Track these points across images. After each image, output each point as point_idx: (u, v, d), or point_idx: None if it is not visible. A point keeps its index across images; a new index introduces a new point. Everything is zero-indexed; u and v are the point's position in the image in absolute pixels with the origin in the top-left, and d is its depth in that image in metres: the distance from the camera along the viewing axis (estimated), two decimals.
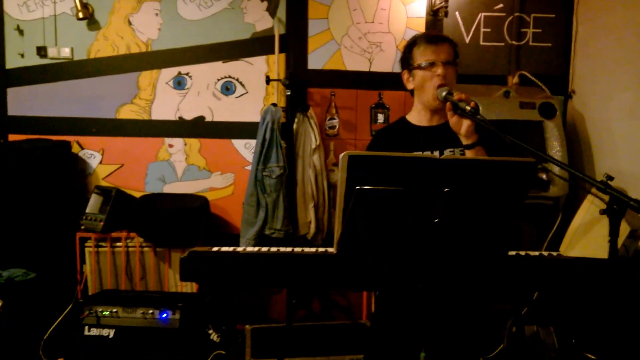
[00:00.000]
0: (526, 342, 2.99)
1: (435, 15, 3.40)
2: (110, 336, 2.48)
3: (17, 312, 2.65)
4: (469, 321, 1.89)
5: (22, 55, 3.13)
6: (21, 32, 3.12)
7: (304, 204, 3.21)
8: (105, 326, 2.49)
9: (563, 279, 1.49)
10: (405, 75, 1.92)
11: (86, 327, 2.48)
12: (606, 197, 1.38)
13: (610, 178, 1.38)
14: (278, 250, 1.46)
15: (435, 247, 1.32)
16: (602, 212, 1.38)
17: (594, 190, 1.45)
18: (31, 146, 2.90)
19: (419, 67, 1.83)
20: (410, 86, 1.91)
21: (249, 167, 3.26)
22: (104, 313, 2.49)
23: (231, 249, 1.48)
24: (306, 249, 1.46)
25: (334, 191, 3.36)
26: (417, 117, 1.94)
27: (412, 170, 1.30)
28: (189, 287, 2.98)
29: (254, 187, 3.12)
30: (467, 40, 3.44)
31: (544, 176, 3.21)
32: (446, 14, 3.35)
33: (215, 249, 1.47)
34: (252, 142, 3.28)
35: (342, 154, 1.25)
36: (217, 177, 3.35)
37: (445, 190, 1.26)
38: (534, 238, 3.32)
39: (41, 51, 3.12)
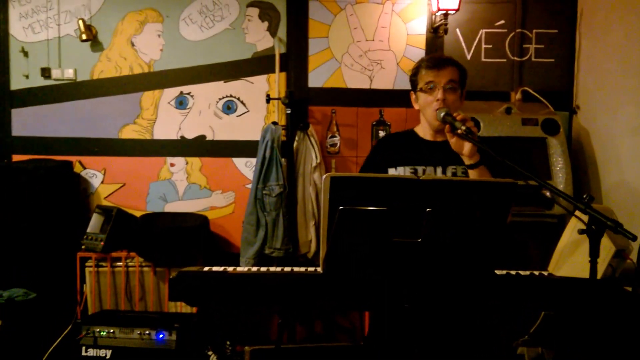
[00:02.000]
0: None
1: (435, 33, 3.45)
2: (107, 357, 2.52)
3: (16, 332, 2.70)
4: (460, 341, 1.92)
5: (27, 77, 3.24)
6: (26, 54, 3.23)
7: (305, 222, 3.24)
8: (102, 347, 2.53)
9: (548, 298, 1.55)
10: (413, 96, 2.04)
11: (83, 348, 2.53)
12: (585, 218, 1.42)
13: (591, 198, 1.41)
14: (267, 270, 1.49)
15: (419, 265, 1.36)
16: (581, 232, 1.42)
17: (577, 211, 1.48)
18: (34, 166, 2.98)
19: (421, 90, 1.94)
20: (416, 107, 2.03)
21: (250, 186, 3.31)
22: (101, 333, 2.53)
23: (221, 268, 1.52)
24: (295, 269, 1.50)
25: None
26: (424, 131, 2.03)
27: (394, 191, 1.34)
28: (189, 308, 3.01)
29: (253, 206, 3.17)
30: (469, 57, 3.48)
31: (548, 194, 3.21)
32: (446, 31, 3.40)
33: (206, 269, 1.52)
34: (253, 161, 3.33)
35: (324, 175, 1.30)
36: (218, 196, 3.40)
37: (427, 210, 1.29)
38: (539, 256, 3.31)
39: (45, 72, 3.23)
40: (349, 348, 3.09)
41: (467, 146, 1.78)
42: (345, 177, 1.34)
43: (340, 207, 1.26)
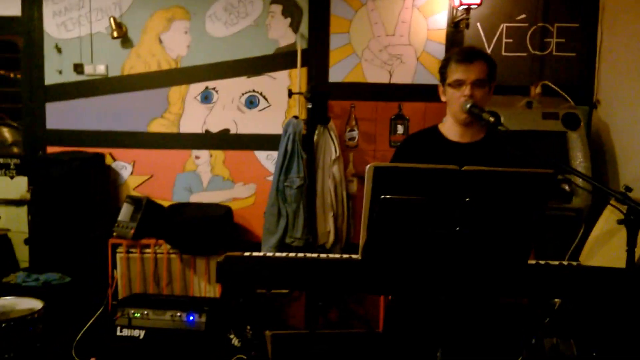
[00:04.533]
0: (546, 354, 3.20)
1: (456, 27, 3.70)
2: (141, 337, 2.88)
3: (52, 314, 3.08)
4: (487, 331, 2.06)
5: (60, 72, 3.62)
6: (59, 51, 3.60)
7: (324, 213, 3.56)
8: (136, 327, 2.89)
9: (581, 287, 1.60)
10: (440, 89, 2.12)
11: (118, 328, 2.89)
12: (624, 208, 1.54)
13: (629, 189, 1.55)
14: (305, 255, 1.60)
15: (456, 254, 1.47)
16: (620, 222, 1.54)
17: (612, 201, 1.66)
18: (70, 158, 3.36)
19: (449, 85, 2.04)
20: (443, 99, 2.12)
21: (270, 178, 3.65)
22: (135, 315, 2.90)
23: (262, 254, 1.64)
24: (331, 255, 1.60)
25: (353, 201, 3.71)
26: (450, 129, 2.12)
27: (434, 181, 1.44)
28: (212, 293, 3.37)
29: (275, 197, 3.50)
30: (489, 51, 3.73)
31: (567, 187, 3.43)
32: (467, 26, 3.64)
33: (247, 254, 1.63)
34: (274, 154, 3.66)
35: (368, 165, 1.42)
36: (240, 188, 3.75)
37: (466, 200, 1.42)
38: (557, 249, 3.54)
39: (78, 68, 3.60)
40: (367, 335, 3.41)
41: None
42: (388, 167, 1.47)
43: (382, 196, 1.39)
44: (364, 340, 3.30)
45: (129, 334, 2.89)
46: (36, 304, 2.79)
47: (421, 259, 1.47)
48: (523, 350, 3.20)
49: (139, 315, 2.89)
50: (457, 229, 1.43)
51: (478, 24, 3.71)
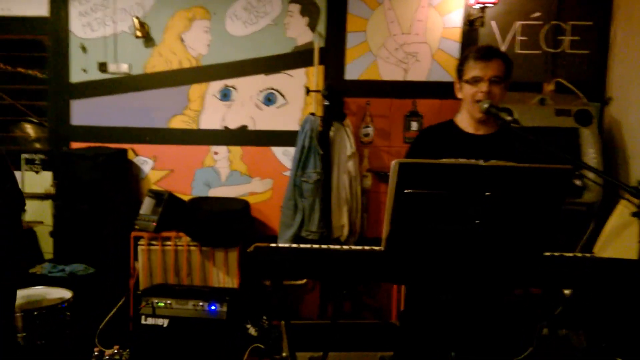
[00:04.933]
0: (556, 345, 3.28)
1: (471, 25, 3.81)
2: (165, 325, 3.02)
3: (77, 303, 3.24)
4: (498, 321, 2.15)
5: (85, 71, 3.79)
6: (84, 50, 3.77)
7: (339, 208, 3.68)
8: (160, 316, 3.03)
9: (594, 277, 1.66)
10: (457, 85, 2.22)
11: (143, 317, 3.03)
12: (637, 201, 1.67)
13: None
14: (328, 247, 1.68)
15: (476, 247, 1.54)
16: (634, 214, 1.68)
17: (626, 195, 1.76)
18: (94, 153, 3.52)
19: (467, 82, 2.13)
20: (459, 95, 2.21)
21: (287, 173, 3.78)
22: (159, 304, 3.03)
23: (287, 245, 1.74)
24: (353, 247, 1.67)
25: (367, 196, 3.82)
26: (465, 122, 2.22)
27: (456, 176, 1.51)
28: (230, 284, 3.50)
29: (292, 192, 3.63)
30: (503, 48, 3.82)
31: (578, 182, 3.50)
32: (482, 24, 3.75)
33: (273, 245, 1.70)
34: (290, 150, 3.79)
35: (393, 162, 1.50)
36: (257, 182, 3.88)
37: (487, 194, 1.49)
38: (568, 243, 3.61)
39: (102, 67, 3.77)
40: (380, 325, 3.52)
41: None
42: (412, 163, 1.55)
43: (405, 191, 1.47)
44: (377, 330, 3.42)
45: (154, 323, 3.03)
46: (66, 294, 2.97)
47: (442, 251, 1.55)
48: (534, 341, 3.29)
49: (162, 304, 3.03)
50: (478, 222, 1.50)
51: (493, 22, 3.81)
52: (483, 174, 1.50)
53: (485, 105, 2.04)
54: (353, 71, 3.84)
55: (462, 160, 2.05)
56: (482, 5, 3.67)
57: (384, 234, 1.57)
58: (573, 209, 3.47)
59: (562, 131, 3.48)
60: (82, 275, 3.37)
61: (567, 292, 2.93)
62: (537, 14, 3.82)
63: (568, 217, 3.50)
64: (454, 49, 3.81)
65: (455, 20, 3.82)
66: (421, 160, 1.83)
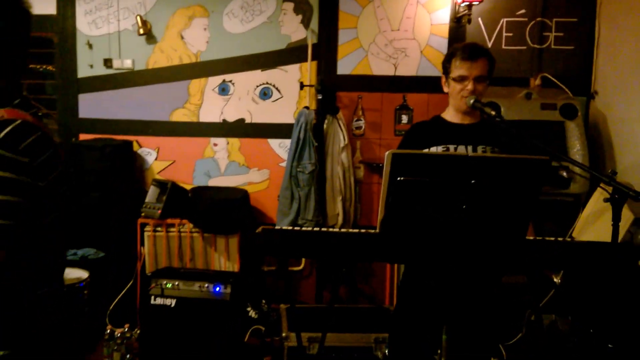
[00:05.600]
0: (544, 331, 3.53)
1: (458, 22, 4.07)
2: (172, 305, 3.32)
3: (91, 284, 3.57)
4: (489, 307, 2.35)
5: (91, 66, 4.07)
6: (90, 46, 4.05)
7: (333, 197, 3.99)
8: (168, 296, 3.32)
9: (573, 260, 1.86)
10: (443, 80, 2.44)
11: (152, 297, 3.34)
12: (610, 189, 1.88)
13: (615, 173, 1.93)
14: (328, 230, 1.87)
15: (462, 230, 1.72)
16: (606, 200, 1.89)
17: (602, 184, 2.00)
18: (102, 144, 3.83)
19: (453, 79, 2.35)
20: (445, 90, 2.44)
21: (283, 164, 4.09)
22: (167, 285, 3.34)
23: (290, 227, 1.94)
24: (351, 230, 1.86)
25: (360, 187, 4.13)
26: (452, 116, 2.44)
27: (444, 165, 1.70)
28: (231, 268, 3.83)
29: (288, 182, 3.94)
30: (490, 44, 4.09)
31: (565, 174, 3.75)
32: (469, 21, 4.00)
33: (278, 227, 1.99)
34: (286, 142, 4.09)
35: (387, 152, 1.70)
36: (255, 173, 4.19)
37: (472, 182, 1.68)
38: (556, 233, 3.87)
39: (107, 62, 4.05)
40: (375, 309, 3.84)
41: None
42: (404, 153, 1.80)
43: (398, 178, 1.66)
44: (371, 314, 3.73)
45: (162, 303, 3.33)
46: (83, 274, 3.30)
47: (431, 233, 1.75)
48: (522, 327, 3.56)
49: (170, 285, 3.34)
50: (464, 207, 1.69)
51: (479, 19, 4.08)
52: (468, 163, 1.70)
53: (471, 101, 2.29)
54: (345, 66, 4.12)
55: (449, 152, 2.27)
56: (468, 3, 3.93)
57: (379, 218, 1.77)
58: (561, 199, 3.66)
59: (548, 124, 3.71)
60: (93, 259, 3.69)
61: (556, 279, 3.18)
62: (522, 11, 4.09)
63: (557, 208, 3.73)
64: (442, 45, 4.09)
65: (442, 17, 4.09)
66: (412, 151, 2.10)
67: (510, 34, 4.11)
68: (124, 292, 3.80)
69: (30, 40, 1.46)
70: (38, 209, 1.34)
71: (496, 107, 3.77)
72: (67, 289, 3.07)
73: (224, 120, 4.16)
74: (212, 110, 4.15)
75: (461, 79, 2.33)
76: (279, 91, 4.14)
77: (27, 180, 1.29)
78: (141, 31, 3.96)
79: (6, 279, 1.34)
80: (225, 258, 3.86)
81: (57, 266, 1.53)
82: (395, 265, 3.88)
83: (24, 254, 1.36)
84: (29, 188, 1.29)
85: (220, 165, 4.19)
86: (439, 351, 2.01)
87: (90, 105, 4.12)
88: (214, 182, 4.18)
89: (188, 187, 4.04)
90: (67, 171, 1.47)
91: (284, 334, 3.44)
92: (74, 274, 3.31)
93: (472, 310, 2.26)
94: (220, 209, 3.83)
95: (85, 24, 4.07)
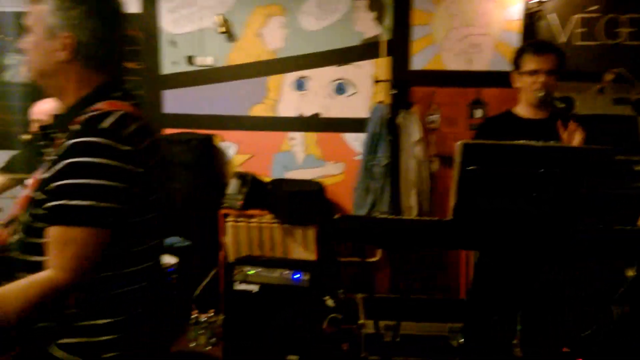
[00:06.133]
0: (616, 323, 3.59)
1: (531, 18, 4.17)
2: (255, 291, 3.53)
3: (178, 270, 3.79)
4: (562, 296, 2.49)
5: (175, 63, 4.31)
6: (174, 44, 4.29)
7: (407, 190, 4.14)
8: (251, 282, 3.53)
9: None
10: (514, 76, 2.61)
11: (236, 283, 3.55)
12: None
13: None
14: (400, 217, 2.20)
15: (531, 216, 1.80)
16: None
17: None
18: (187, 138, 4.07)
19: (524, 73, 2.52)
20: (516, 85, 2.63)
21: (357, 158, 4.26)
22: (250, 272, 3.54)
23: (366, 215, 2.25)
24: (423, 218, 2.15)
25: (434, 179, 4.27)
26: (523, 110, 2.60)
27: (512, 154, 1.81)
28: (308, 258, 4.00)
29: (364, 175, 4.11)
30: (563, 40, 4.18)
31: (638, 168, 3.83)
32: (542, 17, 4.12)
33: (355, 215, 2.24)
34: (361, 136, 4.25)
35: (458, 142, 1.82)
36: (330, 166, 4.37)
37: (541, 171, 1.78)
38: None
39: (190, 60, 4.29)
40: (450, 301, 3.97)
41: (577, 139, 2.35)
42: (474, 143, 1.96)
43: (469, 167, 1.78)
44: (446, 305, 3.86)
45: (245, 288, 3.54)
46: (172, 259, 3.52)
47: (501, 221, 1.83)
48: (599, 319, 3.62)
49: (253, 272, 3.54)
50: (533, 195, 1.78)
51: (552, 15, 4.17)
52: (537, 153, 1.81)
53: (541, 94, 2.44)
54: (418, 62, 4.27)
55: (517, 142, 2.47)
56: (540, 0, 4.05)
57: (451, 204, 1.88)
58: (635, 192, 3.81)
59: (620, 119, 3.81)
60: (180, 247, 3.93)
61: (630, 273, 3.23)
62: (594, 7, 4.17)
63: (629, 201, 3.84)
64: (515, 40, 4.18)
65: (515, 13, 4.20)
66: (482, 141, 2.26)
67: (583, 30, 4.18)
68: (208, 278, 4.01)
69: (125, 38, 1.59)
70: (139, 193, 1.44)
71: (571, 102, 3.90)
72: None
73: (300, 114, 4.36)
74: (289, 105, 4.35)
75: (532, 73, 2.48)
76: (353, 86, 4.31)
77: (129, 167, 1.39)
78: (221, 30, 4.19)
79: (113, 257, 1.43)
80: (303, 248, 4.04)
81: (158, 248, 1.65)
82: (471, 257, 4.01)
83: (129, 236, 1.45)
84: (131, 174, 1.39)
85: (297, 159, 4.39)
86: (514, 341, 2.11)
87: (173, 101, 4.37)
88: (291, 175, 4.38)
89: (266, 179, 4.25)
90: (163, 159, 1.61)
91: (361, 322, 3.61)
92: (163, 259, 3.52)
93: (545, 299, 2.37)
94: (298, 201, 4.01)
95: (169, 23, 4.31)
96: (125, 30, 1.57)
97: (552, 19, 4.18)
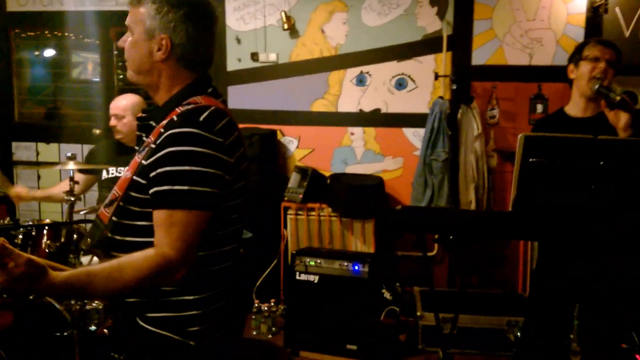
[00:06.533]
0: None
1: (595, 12, 4.14)
2: (315, 281, 3.68)
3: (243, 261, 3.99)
4: (621, 292, 2.45)
5: (239, 60, 4.50)
6: (239, 41, 4.48)
7: (466, 185, 4.20)
8: (311, 273, 3.68)
9: None
10: (570, 67, 2.70)
11: (297, 273, 3.71)
12: None
13: None
14: (461, 209, 2.29)
15: (590, 208, 1.87)
16: None
17: None
18: (250, 133, 4.25)
19: (585, 59, 2.59)
20: (572, 76, 2.69)
21: (416, 152, 4.34)
22: (310, 263, 3.70)
23: (427, 206, 2.35)
24: (483, 210, 2.26)
25: (493, 175, 4.31)
26: (574, 107, 2.68)
27: (573, 148, 1.87)
28: (366, 251, 4.13)
29: (422, 169, 4.19)
30: (627, 34, 4.13)
31: None
32: (606, 10, 4.08)
33: (416, 206, 2.35)
34: (420, 131, 4.34)
35: (520, 135, 1.89)
36: (389, 161, 4.48)
37: (600, 163, 1.85)
38: None
39: (254, 56, 4.47)
40: (508, 295, 4.03)
41: (623, 119, 2.37)
42: (536, 136, 2.03)
43: (530, 160, 1.86)
44: (504, 299, 3.93)
45: (306, 279, 3.70)
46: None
47: (561, 212, 1.91)
48: None
49: (313, 263, 3.70)
50: (592, 187, 1.85)
51: (617, 9, 4.13)
52: (596, 146, 1.87)
53: (597, 86, 2.50)
54: (479, 57, 4.30)
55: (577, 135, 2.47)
56: None
57: (512, 197, 1.95)
58: None
59: None
60: (243, 238, 4.11)
61: None
62: None
63: None
64: (579, 34, 4.17)
65: (579, 6, 4.17)
66: (543, 133, 2.27)
67: None
68: (269, 269, 4.20)
69: (215, 39, 1.71)
70: (230, 180, 1.58)
71: (634, 96, 3.87)
72: None
73: (360, 110, 4.47)
74: (350, 100, 4.47)
75: (594, 59, 2.55)
76: (413, 81, 4.39)
77: (222, 156, 1.52)
78: (285, 26, 4.34)
79: (207, 238, 1.56)
80: (361, 241, 4.17)
81: (241, 231, 1.77)
82: (529, 252, 4.05)
83: (221, 218, 1.59)
84: (224, 163, 1.54)
85: (356, 153, 4.51)
86: (571, 336, 2.14)
87: (238, 97, 4.56)
88: (350, 170, 4.51)
89: (326, 173, 4.39)
90: (245, 152, 1.71)
91: (418, 313, 3.72)
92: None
93: (604, 295, 2.38)
94: (357, 195, 4.14)
95: (234, 20, 4.50)
96: (215, 33, 1.71)
97: (617, 13, 4.14)
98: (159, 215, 1.50)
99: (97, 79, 4.92)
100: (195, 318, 1.58)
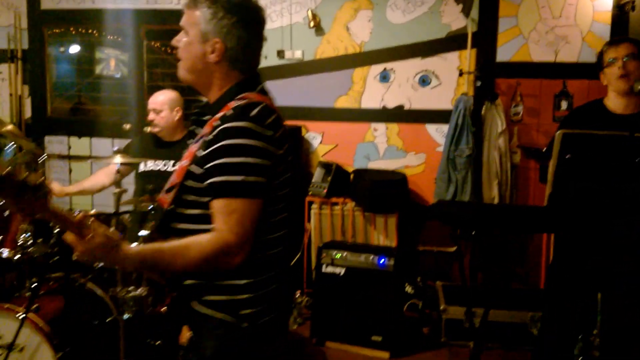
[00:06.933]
0: None
1: (621, 9, 4.17)
2: (341, 274, 3.77)
3: None
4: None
5: (265, 57, 4.61)
6: (265, 39, 4.57)
7: (489, 181, 4.25)
8: (337, 265, 3.77)
9: None
10: (601, 77, 2.77)
11: (324, 265, 3.81)
12: None
13: None
14: (499, 203, 2.32)
15: (630, 205, 1.91)
16: None
17: None
18: None
19: (607, 66, 2.69)
20: (605, 83, 2.76)
21: (439, 149, 4.41)
22: (336, 256, 3.79)
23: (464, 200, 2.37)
24: (518, 205, 2.28)
25: (516, 171, 4.36)
26: (614, 102, 2.70)
27: (610, 144, 1.92)
28: (389, 245, 4.21)
29: (446, 165, 4.26)
30: None
31: None
32: (633, 8, 4.10)
33: (452, 200, 2.37)
34: (443, 127, 4.41)
35: (557, 132, 1.97)
36: (412, 157, 4.55)
37: (637, 160, 1.89)
38: None
39: (280, 54, 4.59)
40: (529, 290, 4.07)
41: None
42: (573, 133, 2.04)
43: (567, 156, 1.93)
44: (525, 294, 3.97)
45: (332, 271, 3.79)
46: None
47: (597, 208, 1.97)
48: None
49: (339, 256, 3.79)
50: (630, 184, 1.90)
51: None
52: (633, 143, 1.90)
53: (623, 83, 2.58)
54: (504, 53, 4.36)
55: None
56: None
57: (547, 192, 2.00)
58: None
59: None
60: None
61: None
62: None
63: None
64: (605, 31, 4.20)
65: (605, 3, 4.20)
66: (581, 130, 2.26)
67: None
68: (293, 262, 4.30)
69: (263, 43, 1.81)
70: (279, 171, 1.69)
71: None
72: None
73: (383, 106, 4.56)
74: (373, 97, 4.56)
75: (612, 62, 2.63)
76: (437, 78, 4.46)
77: (273, 149, 1.64)
78: (311, 24, 4.45)
79: (261, 225, 1.65)
80: (384, 236, 4.24)
81: (288, 218, 1.83)
82: (551, 247, 4.08)
83: (273, 206, 1.69)
84: (274, 155, 1.64)
85: (379, 149, 4.60)
86: (594, 332, 2.20)
87: None
88: (373, 165, 4.60)
89: (349, 169, 4.49)
90: (290, 146, 1.79)
91: (442, 307, 3.78)
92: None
93: (627, 289, 2.36)
94: (380, 190, 4.21)
95: None
96: (263, 36, 1.80)
97: None
98: (217, 204, 1.60)
99: (118, 75, 5.08)
100: (248, 301, 1.67)
